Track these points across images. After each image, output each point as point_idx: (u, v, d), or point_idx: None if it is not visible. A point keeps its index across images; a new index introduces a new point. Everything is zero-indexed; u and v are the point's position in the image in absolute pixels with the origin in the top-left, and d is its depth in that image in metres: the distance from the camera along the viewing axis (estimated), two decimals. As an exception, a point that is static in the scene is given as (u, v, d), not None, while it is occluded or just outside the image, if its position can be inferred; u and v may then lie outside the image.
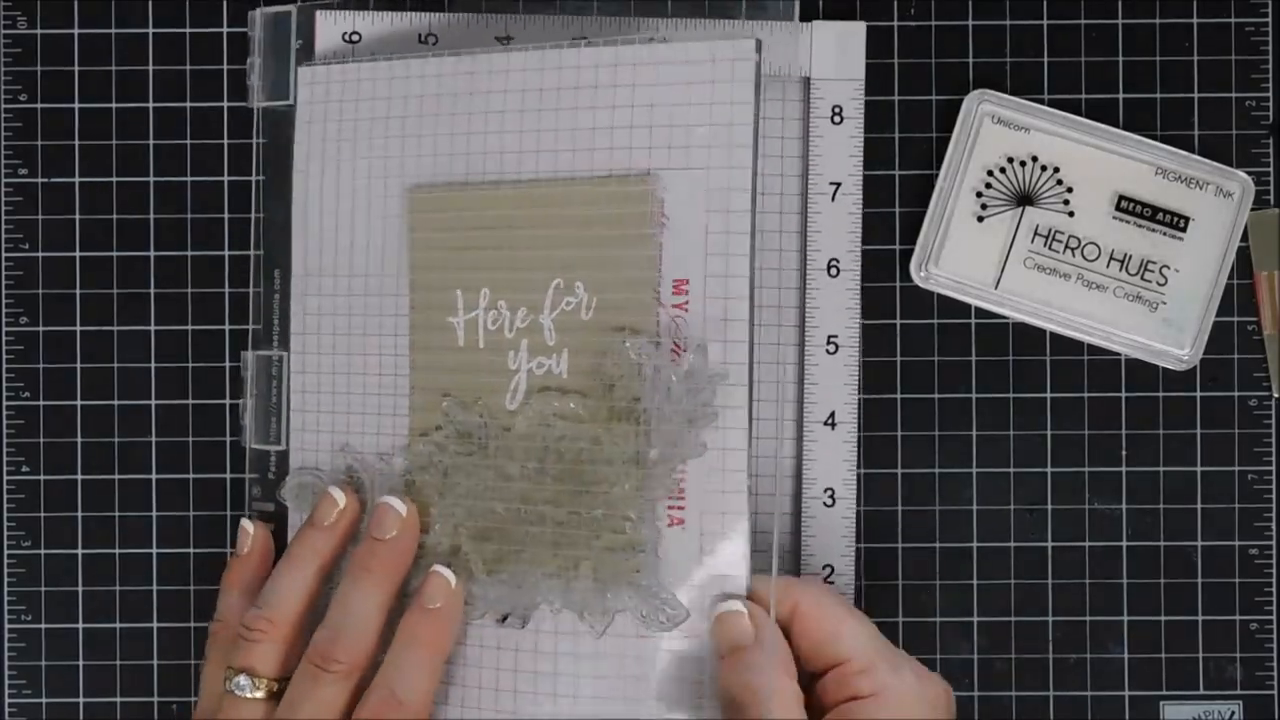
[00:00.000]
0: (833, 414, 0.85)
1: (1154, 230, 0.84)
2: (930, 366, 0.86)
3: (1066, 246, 0.84)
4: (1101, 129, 0.84)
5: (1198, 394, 0.86)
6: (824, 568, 0.85)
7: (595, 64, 0.78)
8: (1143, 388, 0.86)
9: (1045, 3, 0.87)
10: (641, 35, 0.80)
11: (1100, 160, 0.84)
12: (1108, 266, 0.84)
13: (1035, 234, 0.84)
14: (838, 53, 0.85)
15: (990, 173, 0.85)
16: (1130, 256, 0.84)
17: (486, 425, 0.79)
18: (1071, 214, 0.84)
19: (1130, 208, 0.84)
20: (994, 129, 0.85)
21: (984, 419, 0.86)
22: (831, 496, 0.85)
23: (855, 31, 0.85)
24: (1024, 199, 0.85)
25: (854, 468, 0.85)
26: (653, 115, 0.77)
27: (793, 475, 0.85)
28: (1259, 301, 0.86)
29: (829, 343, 0.85)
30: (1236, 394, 0.86)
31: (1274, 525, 0.86)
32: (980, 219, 0.85)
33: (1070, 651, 0.86)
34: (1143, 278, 0.84)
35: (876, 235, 0.86)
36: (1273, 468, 0.86)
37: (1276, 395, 0.86)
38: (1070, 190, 0.84)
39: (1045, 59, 0.87)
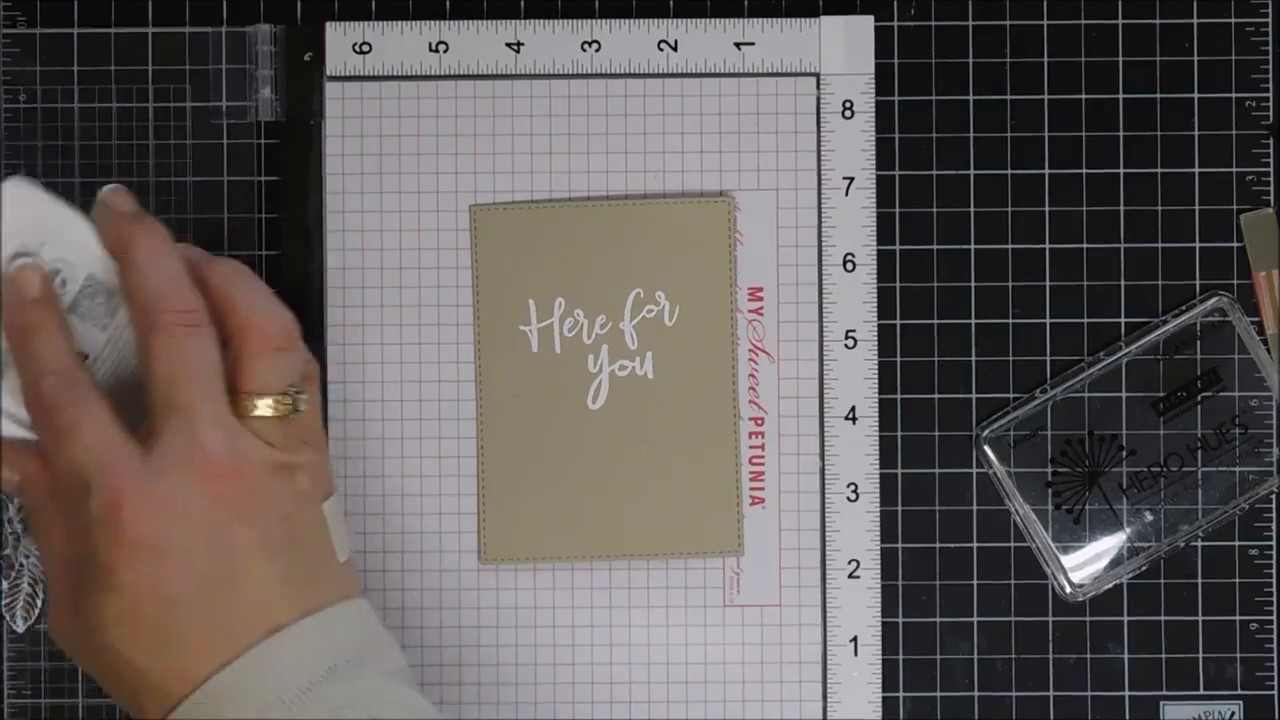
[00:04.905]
0: (853, 409, 0.86)
1: (1205, 399, 0.85)
2: (930, 367, 0.86)
3: (1150, 479, 0.86)
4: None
5: (1198, 394, 0.86)
6: (849, 563, 0.85)
7: (663, 94, 0.86)
8: (1143, 387, 0.86)
9: (1045, 3, 0.87)
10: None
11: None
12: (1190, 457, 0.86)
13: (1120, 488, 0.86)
14: (847, 47, 0.85)
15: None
16: (1204, 435, 0.86)
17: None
18: (1134, 451, 0.86)
19: (1173, 402, 0.85)
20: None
21: (984, 419, 0.86)
22: (855, 491, 0.85)
23: (863, 25, 0.86)
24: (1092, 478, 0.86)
25: (876, 463, 0.85)
26: (722, 141, 0.86)
27: (816, 471, 0.86)
28: (1259, 301, 0.86)
29: (847, 337, 0.85)
30: (1237, 394, 0.86)
31: (1274, 525, 0.86)
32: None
33: (1070, 651, 0.86)
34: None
35: (878, 235, 0.86)
36: (1273, 468, 0.86)
37: (1276, 395, 0.86)
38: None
39: (1045, 59, 0.87)
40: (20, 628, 0.86)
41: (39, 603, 0.86)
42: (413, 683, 0.75)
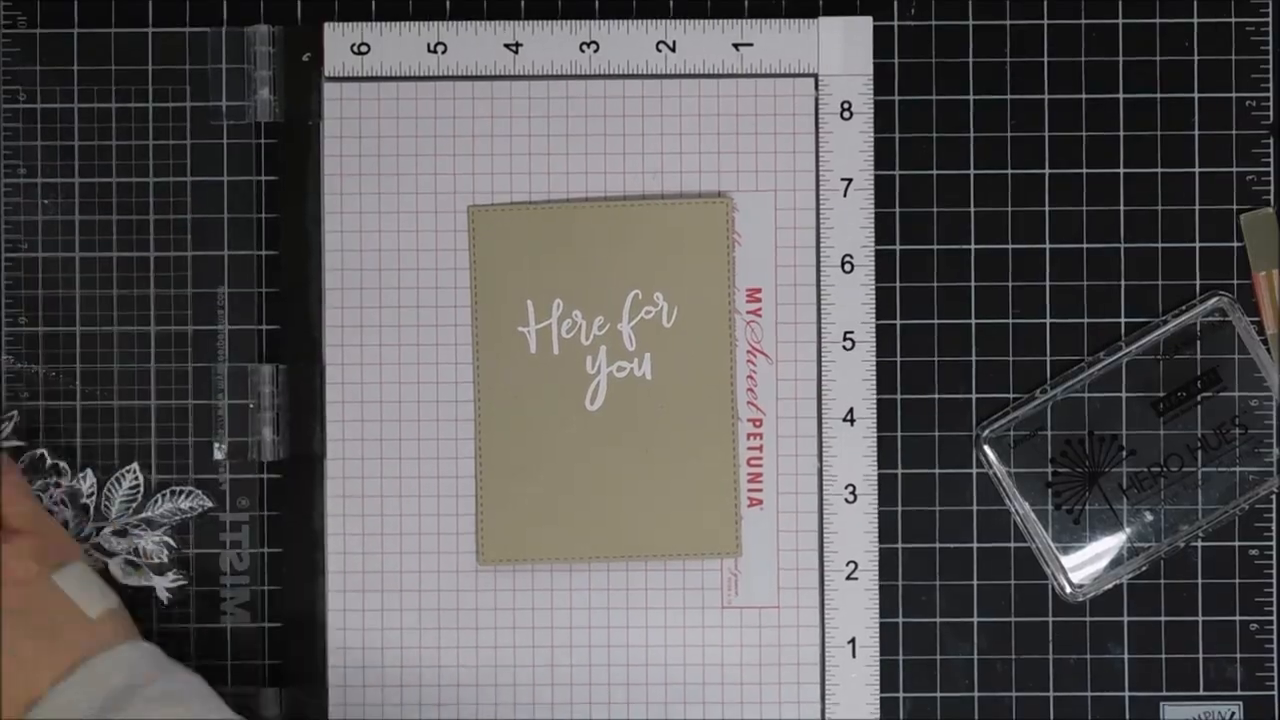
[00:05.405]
0: (851, 410, 0.86)
1: (1205, 399, 0.85)
2: (930, 367, 0.86)
3: (1150, 479, 0.86)
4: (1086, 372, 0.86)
5: (1198, 394, 0.86)
6: (848, 564, 0.85)
7: (661, 94, 0.86)
8: (1143, 387, 0.86)
9: (1045, 3, 0.87)
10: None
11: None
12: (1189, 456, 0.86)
13: (1120, 488, 0.86)
14: (845, 48, 0.85)
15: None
16: (1204, 435, 0.86)
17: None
18: (1134, 451, 0.86)
19: (1173, 402, 0.85)
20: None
21: (984, 419, 0.86)
22: (853, 492, 0.85)
23: (862, 27, 0.86)
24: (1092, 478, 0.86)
25: (874, 464, 0.85)
26: (721, 142, 0.86)
27: (814, 472, 0.86)
28: (1259, 301, 0.86)
29: (845, 339, 0.85)
30: (1237, 394, 0.86)
31: (1274, 525, 0.86)
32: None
33: (1070, 652, 0.86)
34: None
35: (878, 235, 0.86)
36: (1273, 468, 0.86)
37: (1276, 395, 0.86)
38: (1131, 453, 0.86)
39: (1045, 59, 0.87)
40: None
41: None
42: (205, 697, 0.78)
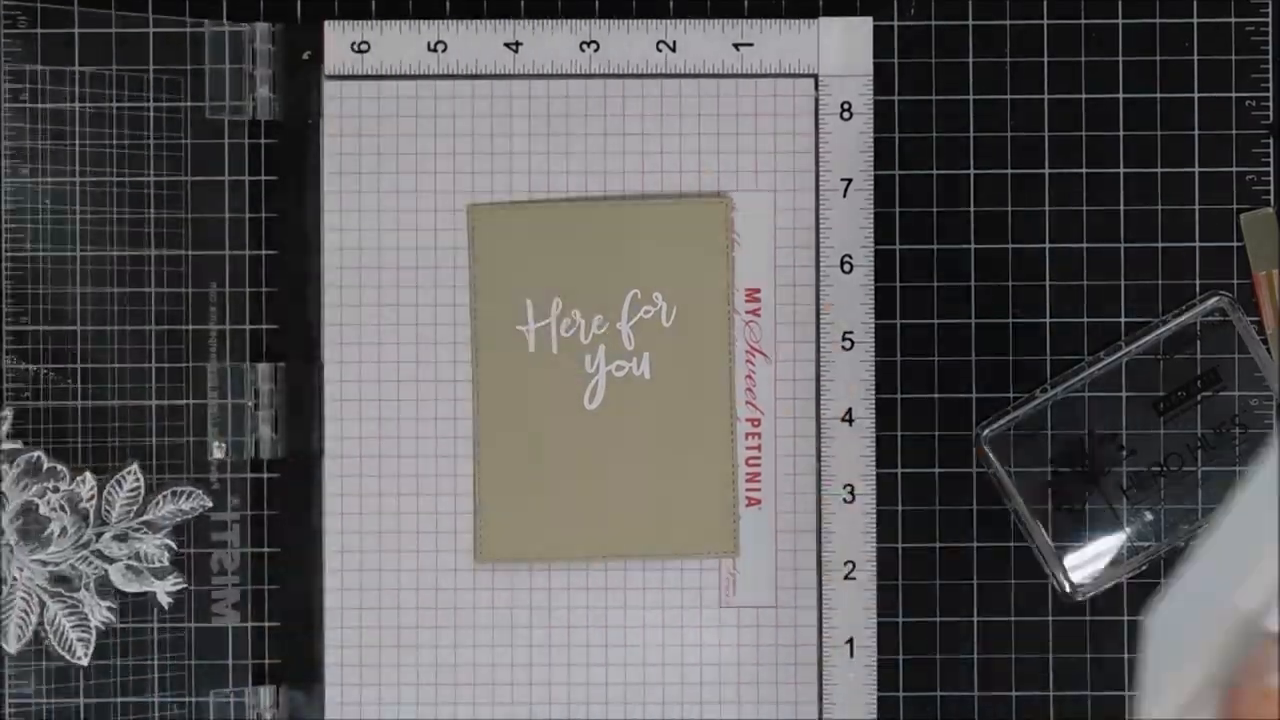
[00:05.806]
0: (850, 410, 0.85)
1: (1205, 399, 0.85)
2: (930, 367, 0.86)
3: (1150, 479, 0.86)
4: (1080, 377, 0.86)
5: (1198, 394, 0.86)
6: (845, 564, 0.85)
7: (661, 94, 0.86)
8: (1143, 387, 0.86)
9: (1045, 3, 0.87)
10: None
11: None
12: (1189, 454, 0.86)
13: (1120, 488, 0.86)
14: (845, 48, 0.86)
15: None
16: (1204, 435, 0.86)
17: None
18: (1134, 451, 0.86)
19: (1173, 402, 0.85)
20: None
21: (984, 419, 0.86)
22: (851, 493, 0.85)
23: (861, 27, 0.86)
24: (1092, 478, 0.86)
25: (872, 464, 0.85)
26: (720, 142, 0.86)
27: (813, 472, 0.86)
28: (1259, 301, 0.86)
29: (844, 339, 0.85)
30: (1237, 394, 0.86)
31: (1274, 525, 0.86)
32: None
33: (1070, 651, 0.86)
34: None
35: (878, 236, 0.86)
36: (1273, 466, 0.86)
37: (1276, 395, 0.86)
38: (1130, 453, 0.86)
39: (1045, 59, 0.87)
40: (12, 648, 0.85)
41: (32, 620, 0.86)
42: None
